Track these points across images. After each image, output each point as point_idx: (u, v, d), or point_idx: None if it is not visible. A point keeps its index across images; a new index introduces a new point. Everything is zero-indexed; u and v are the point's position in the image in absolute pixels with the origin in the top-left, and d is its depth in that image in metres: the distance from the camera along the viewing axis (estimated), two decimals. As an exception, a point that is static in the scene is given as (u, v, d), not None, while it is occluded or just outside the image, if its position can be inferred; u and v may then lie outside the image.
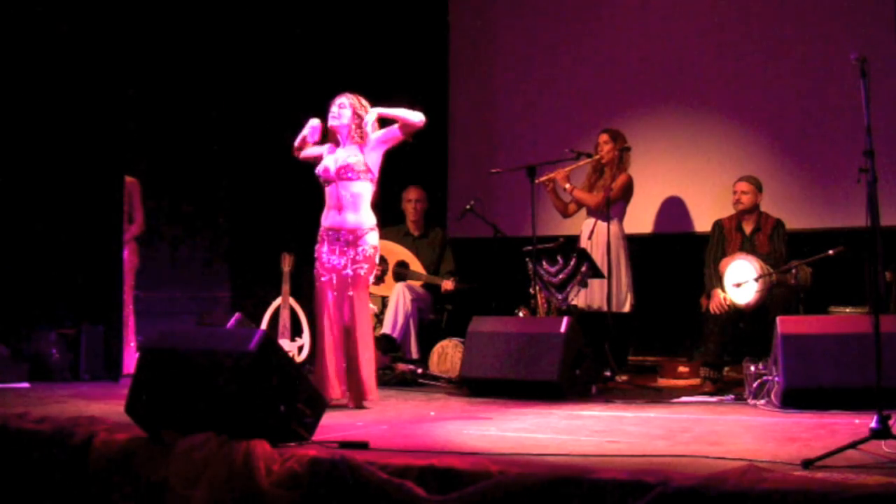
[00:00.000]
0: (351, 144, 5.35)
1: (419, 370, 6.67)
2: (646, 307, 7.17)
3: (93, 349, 6.72)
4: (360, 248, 5.31)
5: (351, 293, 5.30)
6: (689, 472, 3.09)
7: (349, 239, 5.31)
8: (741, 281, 5.96)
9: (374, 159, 5.36)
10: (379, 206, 7.96)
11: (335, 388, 5.30)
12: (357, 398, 5.28)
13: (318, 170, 5.39)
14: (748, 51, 7.57)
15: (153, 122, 7.50)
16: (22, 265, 6.72)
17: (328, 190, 5.37)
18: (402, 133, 5.34)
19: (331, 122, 5.39)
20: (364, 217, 5.34)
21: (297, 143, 5.50)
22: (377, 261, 5.44)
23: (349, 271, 5.30)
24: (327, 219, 5.37)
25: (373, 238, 5.36)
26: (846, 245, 5.82)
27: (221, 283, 8.21)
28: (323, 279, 5.36)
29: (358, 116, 5.35)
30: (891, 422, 3.67)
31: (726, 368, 6.30)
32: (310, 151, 5.49)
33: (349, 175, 5.28)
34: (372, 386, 5.34)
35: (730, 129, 7.60)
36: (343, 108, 5.36)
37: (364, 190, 5.33)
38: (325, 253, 5.35)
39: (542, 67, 8.39)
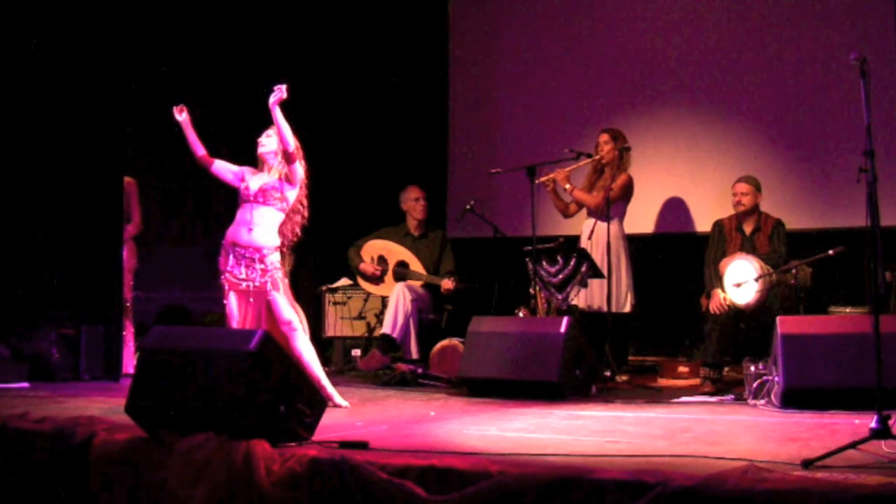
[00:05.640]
0: (275, 173, 5.45)
1: (419, 370, 6.66)
2: (646, 307, 7.17)
3: (93, 349, 6.72)
4: (266, 263, 5.37)
5: (270, 298, 5.35)
6: (689, 472, 3.09)
7: (254, 257, 5.37)
8: (741, 281, 5.95)
9: (293, 195, 5.46)
10: (379, 206, 8.04)
11: None
12: None
13: (241, 186, 5.47)
14: (748, 50, 7.57)
15: (153, 122, 7.49)
16: (22, 265, 6.72)
17: (242, 208, 5.43)
18: (283, 158, 5.41)
19: (259, 150, 5.49)
20: (270, 239, 5.41)
21: (198, 152, 5.52)
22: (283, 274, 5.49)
23: (265, 279, 5.35)
24: (234, 235, 5.41)
25: (275, 258, 5.43)
26: (846, 245, 5.81)
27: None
28: (239, 288, 5.37)
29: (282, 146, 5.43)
30: (891, 422, 3.67)
31: (726, 368, 6.30)
32: (222, 168, 5.55)
33: (266, 200, 5.38)
34: None
35: (730, 129, 7.60)
36: (270, 136, 5.46)
37: (275, 217, 5.43)
38: (230, 266, 5.38)
39: (542, 67, 8.39)
